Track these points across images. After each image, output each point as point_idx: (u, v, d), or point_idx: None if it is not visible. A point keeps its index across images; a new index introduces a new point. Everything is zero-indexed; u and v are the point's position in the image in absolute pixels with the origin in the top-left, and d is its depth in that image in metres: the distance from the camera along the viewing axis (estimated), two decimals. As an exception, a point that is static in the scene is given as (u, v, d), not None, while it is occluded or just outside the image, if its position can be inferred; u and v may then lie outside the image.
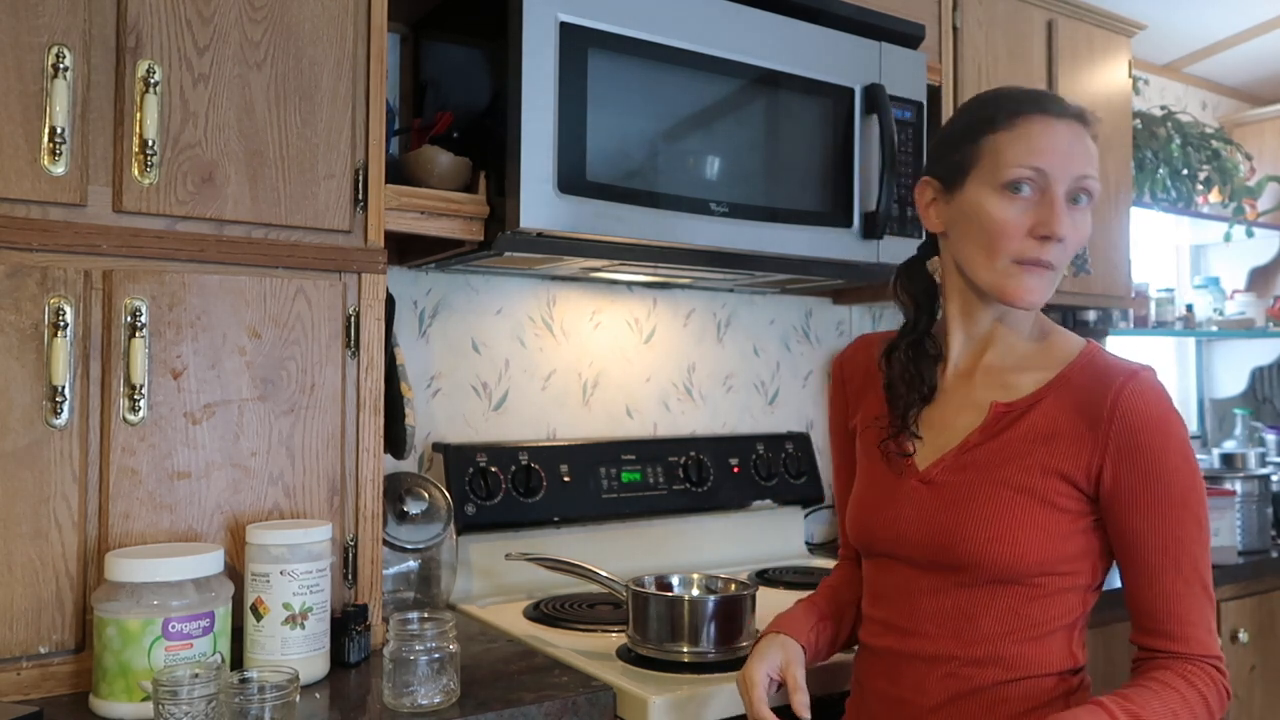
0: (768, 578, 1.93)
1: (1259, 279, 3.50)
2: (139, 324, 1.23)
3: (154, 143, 1.23)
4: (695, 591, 1.47)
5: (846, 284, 2.05)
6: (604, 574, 1.50)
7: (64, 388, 1.19)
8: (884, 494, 1.18)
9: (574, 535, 1.89)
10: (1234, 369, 3.57)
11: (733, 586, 1.46)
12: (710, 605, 1.36)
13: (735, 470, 2.08)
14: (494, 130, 1.52)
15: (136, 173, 1.24)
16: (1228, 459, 2.59)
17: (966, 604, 1.09)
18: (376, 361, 1.41)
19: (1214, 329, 3.33)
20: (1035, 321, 1.18)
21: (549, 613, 1.64)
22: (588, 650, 1.44)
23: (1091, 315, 2.66)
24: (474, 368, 1.91)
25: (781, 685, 1.17)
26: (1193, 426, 3.53)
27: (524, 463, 1.84)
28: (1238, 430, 3.26)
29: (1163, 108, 3.11)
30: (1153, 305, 3.16)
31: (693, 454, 2.03)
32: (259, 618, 1.24)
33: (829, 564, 2.07)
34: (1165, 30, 3.04)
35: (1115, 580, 1.10)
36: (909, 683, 1.13)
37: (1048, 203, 1.07)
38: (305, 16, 1.36)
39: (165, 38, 1.25)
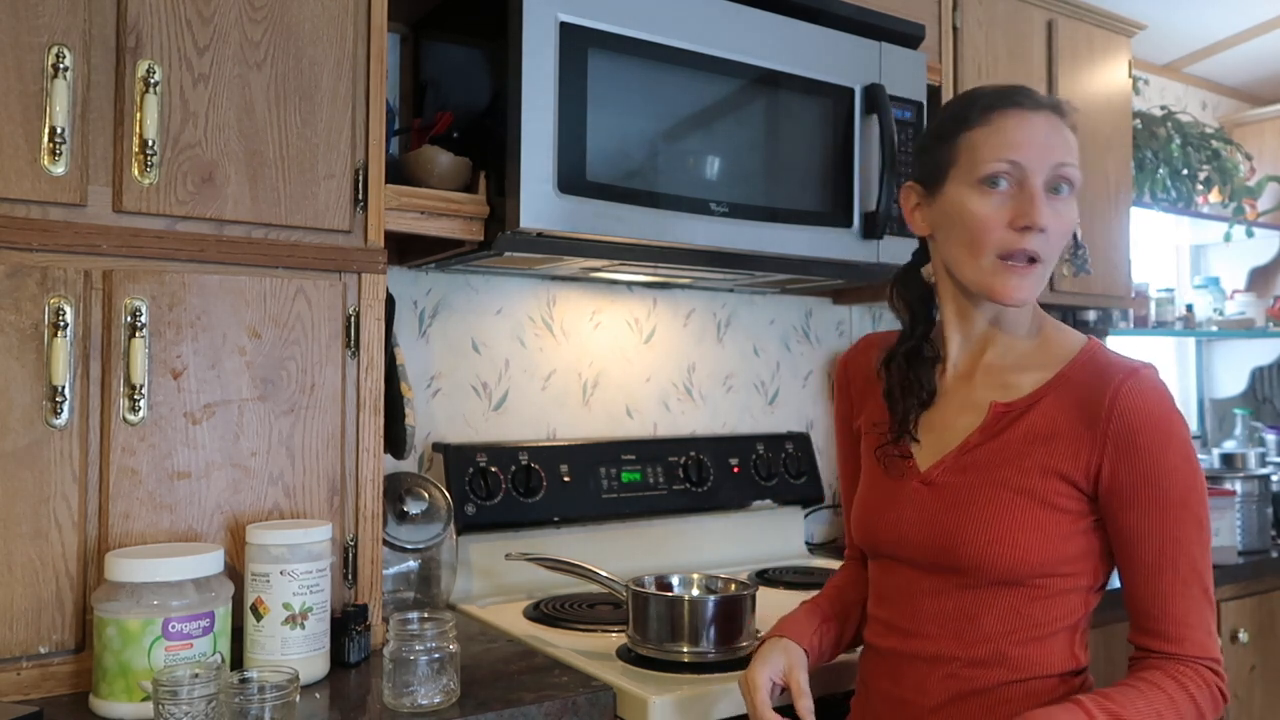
0: (768, 578, 1.93)
1: (1259, 279, 3.50)
2: (139, 324, 1.23)
3: (154, 143, 1.23)
4: (695, 591, 1.48)
5: (846, 284, 2.05)
6: (604, 574, 1.49)
7: (64, 388, 1.19)
8: (886, 496, 1.18)
9: (574, 535, 1.89)
10: (1234, 369, 3.56)
11: (733, 586, 1.46)
12: (710, 605, 1.36)
13: (735, 470, 2.08)
14: (494, 130, 1.52)
15: (136, 173, 1.24)
16: (1228, 459, 2.59)
17: (968, 605, 1.09)
18: (376, 361, 1.41)
19: (1214, 329, 3.33)
20: (1033, 319, 1.17)
21: (549, 613, 1.64)
22: (588, 650, 1.44)
23: (1091, 315, 2.66)
24: (474, 368, 1.91)
25: (784, 689, 1.16)
26: (1193, 426, 3.53)
27: (524, 463, 1.83)
28: (1238, 430, 3.26)
29: (1163, 108, 3.11)
30: (1153, 305, 3.16)
31: (693, 454, 2.03)
32: (259, 618, 1.24)
33: (829, 564, 2.07)
34: (1165, 30, 3.04)
35: (1116, 580, 1.09)
36: (910, 683, 1.12)
37: (1026, 194, 1.07)
38: (305, 16, 1.36)
39: (165, 38, 1.25)
